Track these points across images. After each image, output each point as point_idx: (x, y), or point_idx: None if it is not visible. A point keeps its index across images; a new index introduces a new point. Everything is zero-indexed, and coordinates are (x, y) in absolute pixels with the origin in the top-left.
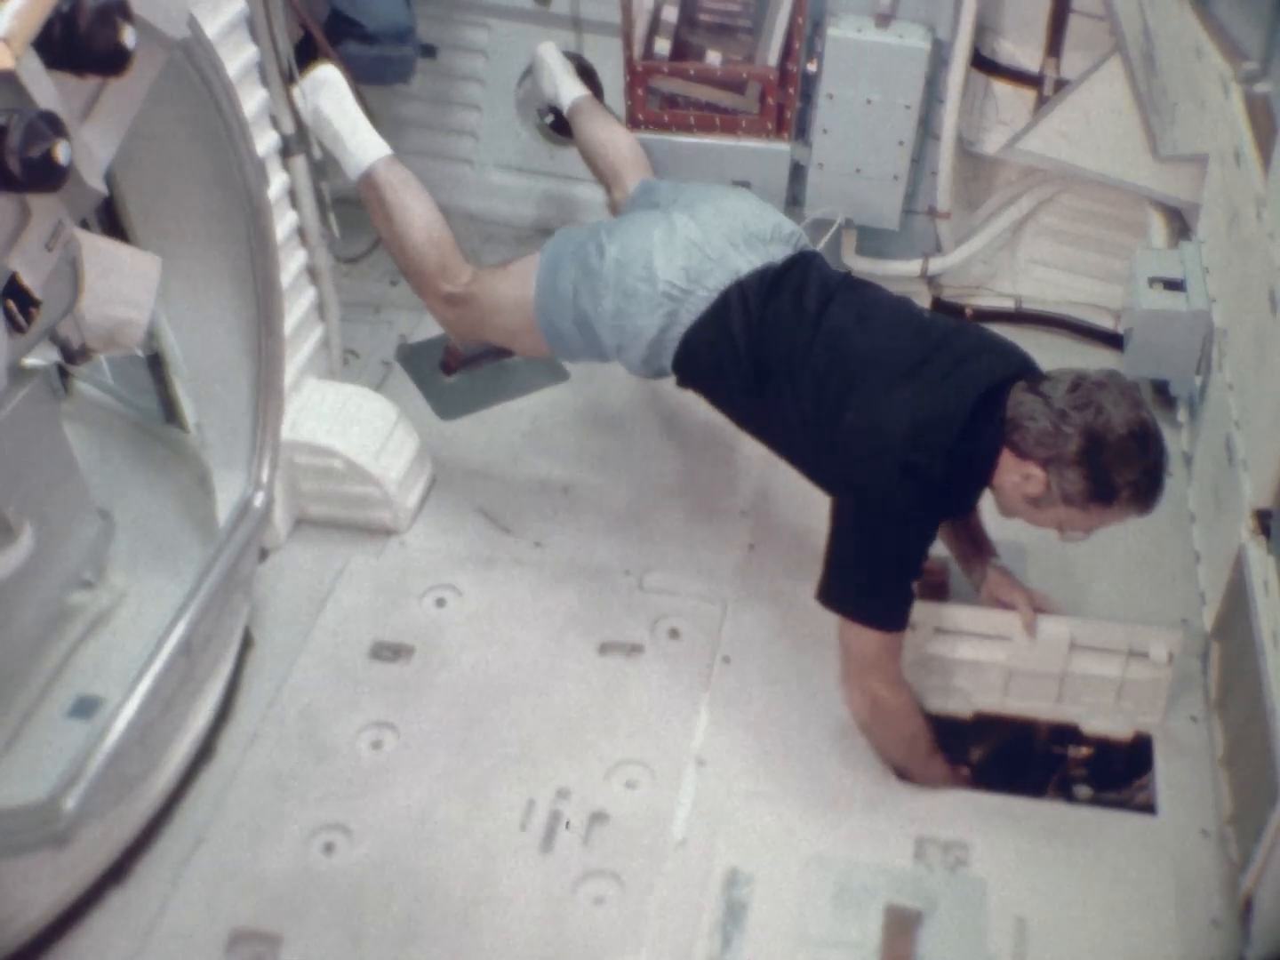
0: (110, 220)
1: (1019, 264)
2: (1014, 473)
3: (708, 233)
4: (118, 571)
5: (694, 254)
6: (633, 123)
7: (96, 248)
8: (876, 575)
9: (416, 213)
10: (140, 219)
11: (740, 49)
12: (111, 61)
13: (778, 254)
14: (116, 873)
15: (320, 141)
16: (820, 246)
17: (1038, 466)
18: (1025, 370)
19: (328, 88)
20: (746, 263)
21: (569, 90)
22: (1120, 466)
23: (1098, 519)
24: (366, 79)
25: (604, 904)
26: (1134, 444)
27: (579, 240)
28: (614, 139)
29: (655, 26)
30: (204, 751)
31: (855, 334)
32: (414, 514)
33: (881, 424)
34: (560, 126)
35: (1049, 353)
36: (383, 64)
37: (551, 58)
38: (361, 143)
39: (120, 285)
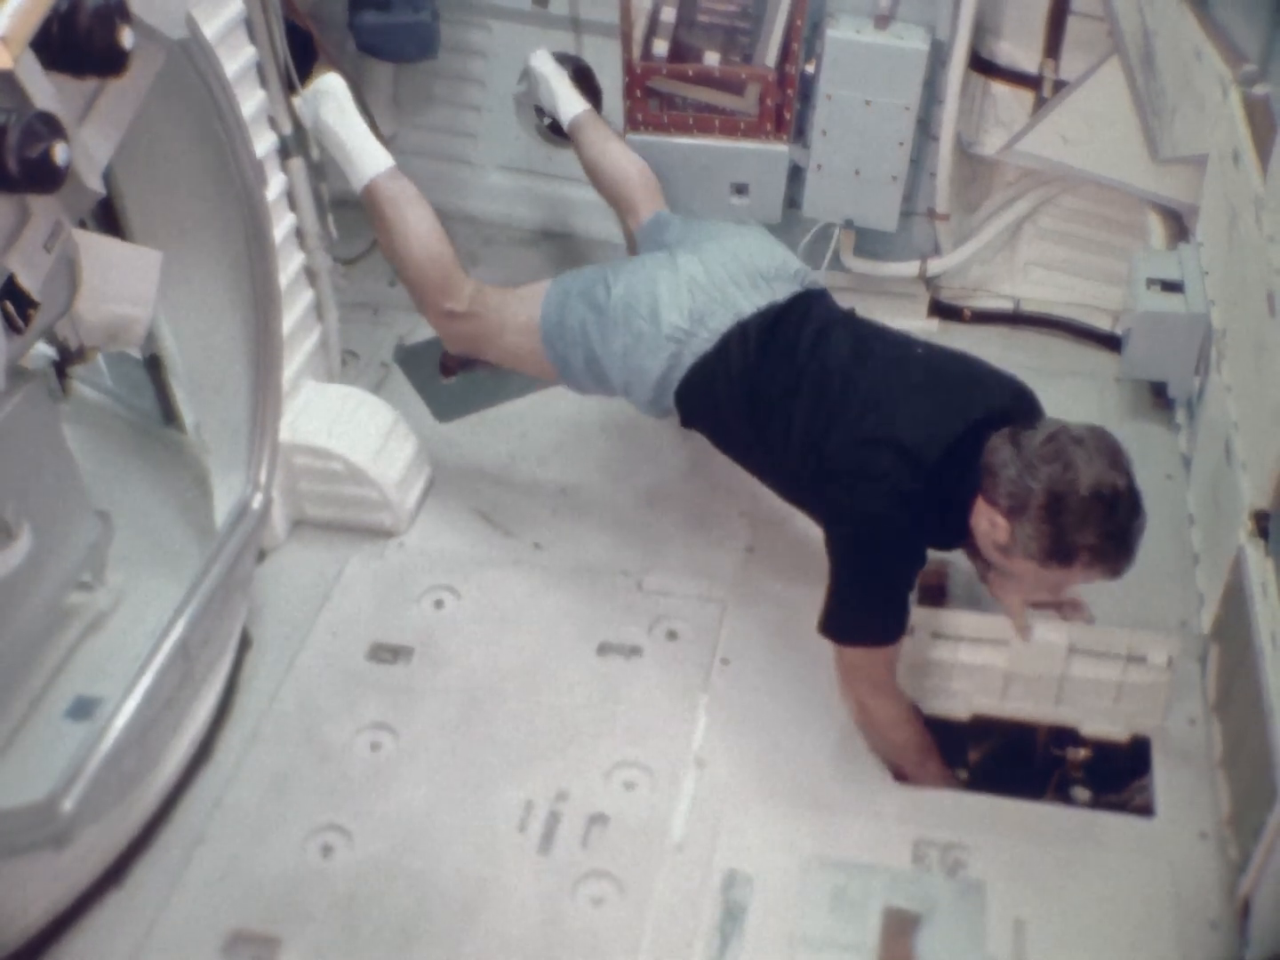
0: (108, 221)
1: (1017, 265)
2: (984, 518)
3: (711, 273)
4: (116, 572)
5: (698, 295)
6: (631, 124)
7: (96, 246)
8: (863, 593)
9: (416, 230)
10: (138, 220)
11: (739, 50)
12: (110, 62)
13: (782, 291)
14: (115, 874)
15: (325, 150)
16: (801, 248)
17: (1003, 516)
18: (1020, 402)
19: (331, 98)
20: (750, 303)
21: (568, 106)
22: (1080, 527)
23: (1061, 578)
24: (388, 54)
25: (603, 905)
26: (1098, 506)
27: (588, 280)
28: (623, 168)
29: (654, 27)
30: (202, 752)
31: (848, 366)
32: (412, 515)
33: (864, 443)
34: (559, 129)
35: (1047, 354)
36: (400, 33)
37: (546, 69)
38: (364, 154)
39: (121, 283)
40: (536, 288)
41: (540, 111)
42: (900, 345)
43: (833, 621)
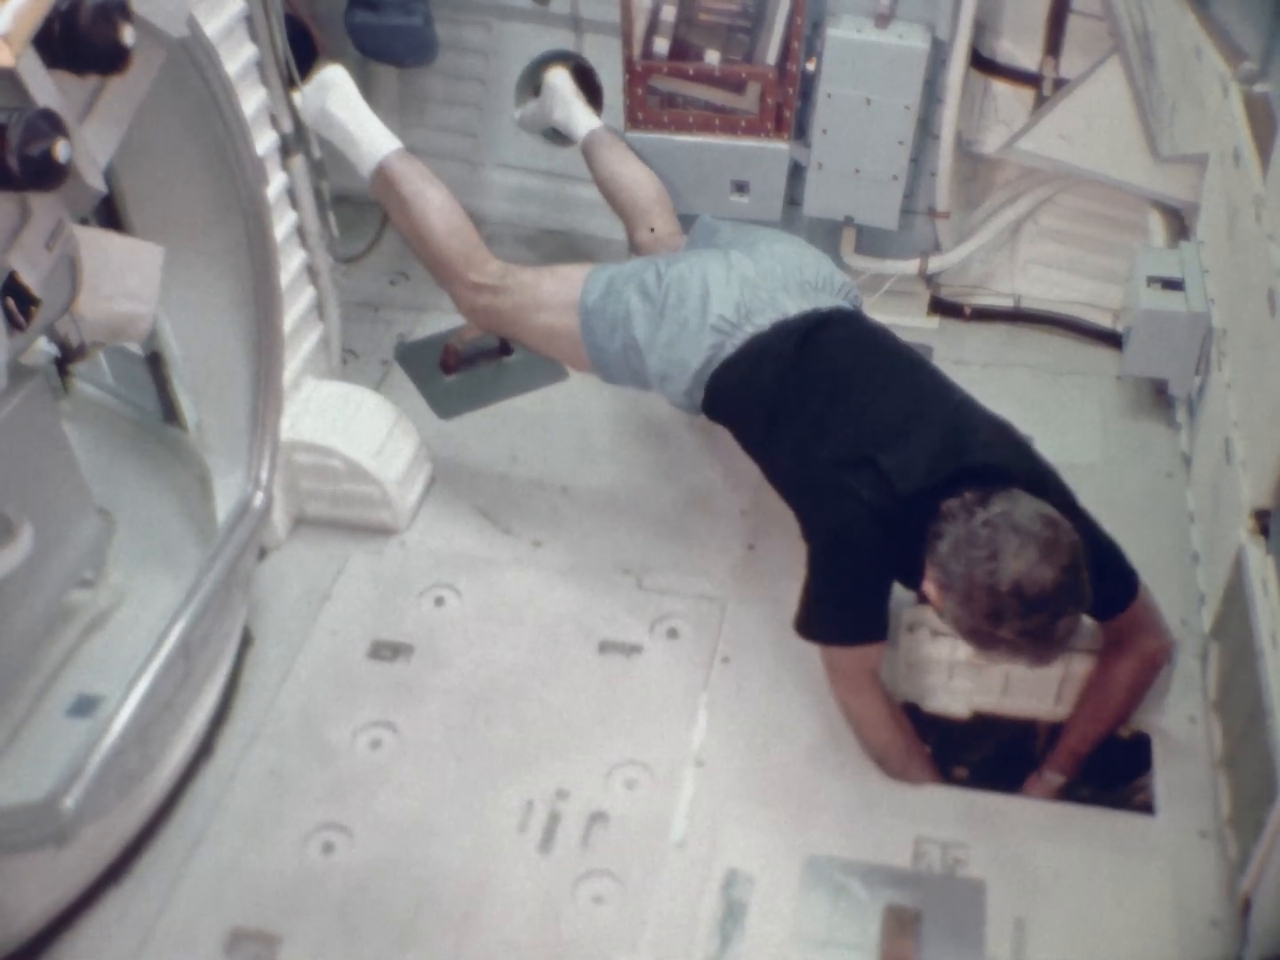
0: (110, 219)
1: (1018, 264)
2: (928, 577)
3: (762, 273)
4: (117, 570)
5: (746, 291)
6: (631, 122)
7: (98, 242)
8: (832, 596)
9: (433, 203)
10: (139, 218)
11: (739, 48)
12: (111, 60)
13: (826, 302)
14: (115, 872)
15: (331, 142)
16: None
17: (935, 586)
18: (1006, 463)
19: (334, 89)
20: (795, 305)
21: (583, 121)
22: (997, 622)
23: (984, 656)
24: (380, 55)
25: (603, 904)
26: (1014, 603)
27: (637, 266)
28: (638, 180)
29: (654, 26)
30: (203, 750)
31: (864, 387)
32: (413, 513)
33: (847, 462)
34: (561, 133)
35: (1048, 352)
36: (389, 34)
37: (563, 85)
38: (372, 139)
39: (123, 279)
40: (576, 269)
41: (555, 133)
42: (919, 380)
43: (804, 621)
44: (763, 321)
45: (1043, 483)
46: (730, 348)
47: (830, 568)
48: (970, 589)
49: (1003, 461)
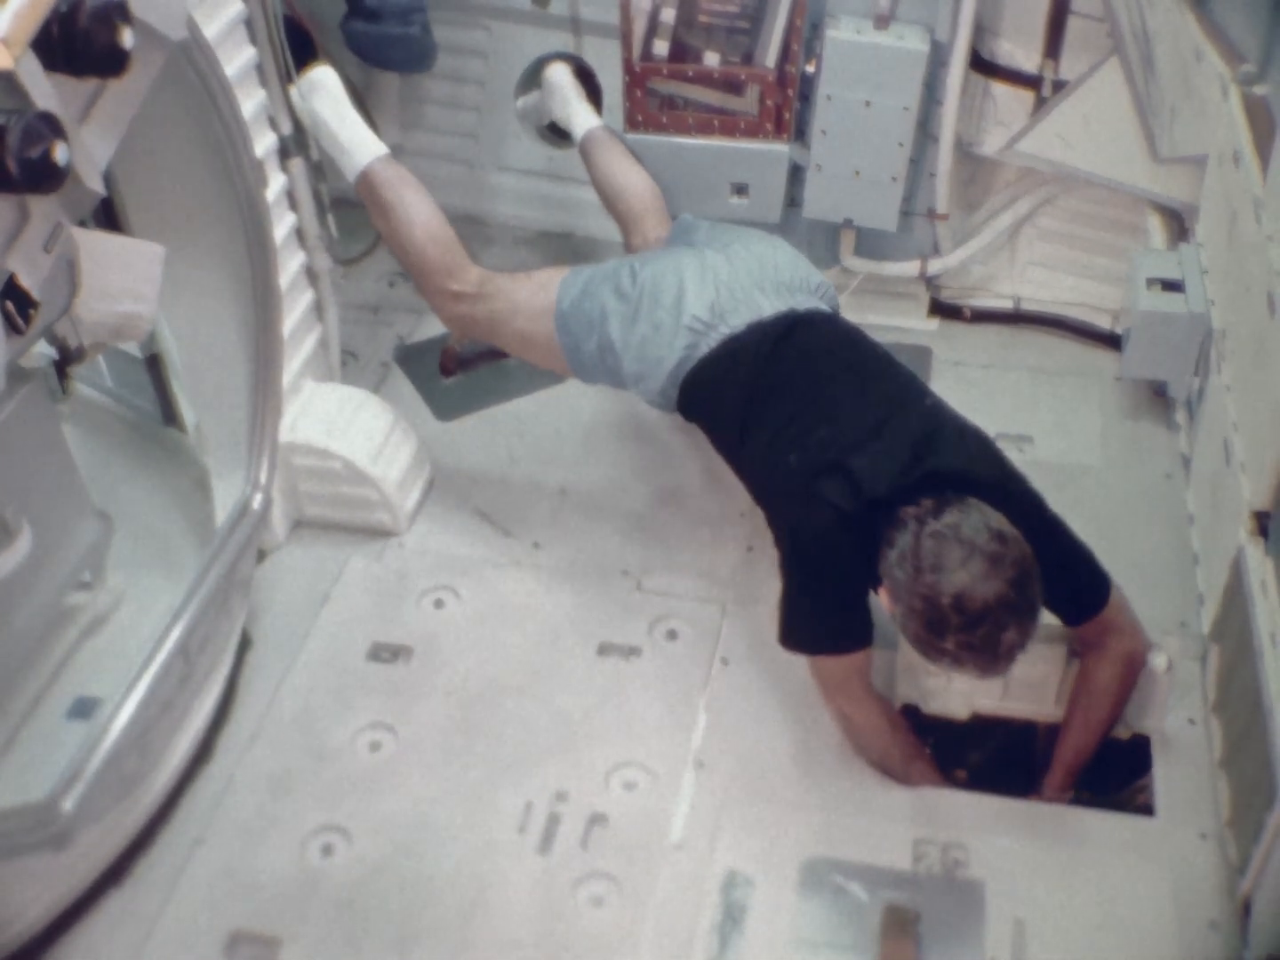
0: (109, 221)
1: (1017, 265)
2: (882, 583)
3: (737, 273)
4: (116, 572)
5: (721, 291)
6: (631, 124)
7: (97, 243)
8: (810, 604)
9: (416, 210)
10: (138, 220)
11: (739, 50)
12: (110, 63)
13: (802, 303)
14: (115, 874)
15: (317, 142)
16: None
17: (886, 593)
18: (974, 470)
19: (323, 89)
20: (771, 306)
21: (583, 119)
22: (940, 632)
23: (932, 664)
24: (375, 60)
25: (602, 906)
26: (955, 615)
27: (611, 267)
28: (634, 185)
29: (654, 28)
30: (202, 753)
31: (839, 391)
32: (412, 515)
33: (819, 467)
34: (558, 129)
35: (1047, 354)
36: (387, 44)
37: (564, 81)
38: (358, 143)
39: (123, 279)
40: (553, 273)
41: (554, 128)
42: (892, 383)
43: (785, 632)
44: (737, 322)
45: (1008, 488)
46: (705, 348)
47: (802, 576)
48: (913, 599)
49: (969, 467)
